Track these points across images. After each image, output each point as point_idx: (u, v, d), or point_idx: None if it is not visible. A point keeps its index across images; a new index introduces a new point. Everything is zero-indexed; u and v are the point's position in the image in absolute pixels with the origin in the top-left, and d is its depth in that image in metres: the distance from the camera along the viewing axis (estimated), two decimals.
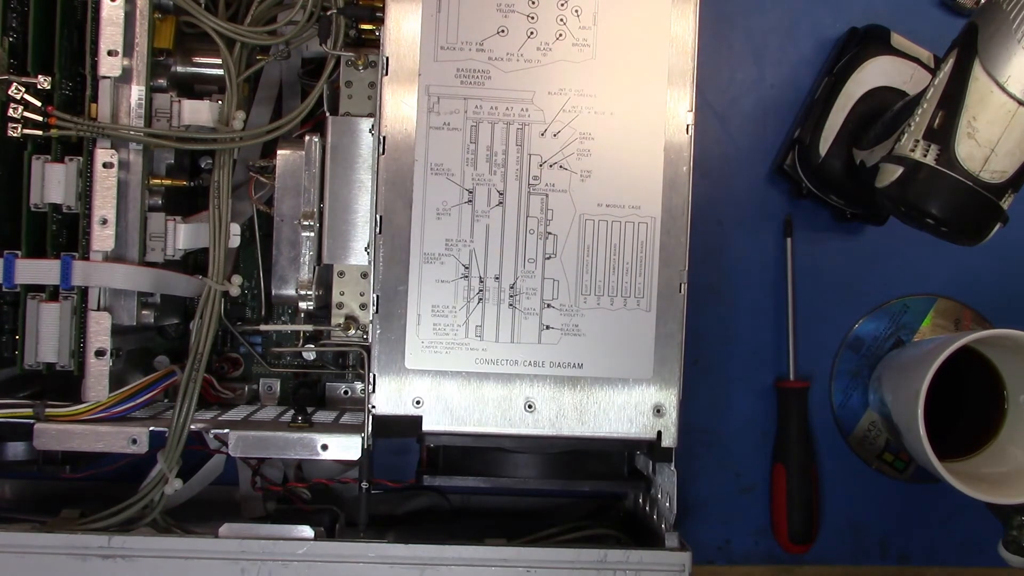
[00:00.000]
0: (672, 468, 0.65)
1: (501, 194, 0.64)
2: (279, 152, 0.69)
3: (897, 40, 0.81)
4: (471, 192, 0.64)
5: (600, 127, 0.64)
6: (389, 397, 0.64)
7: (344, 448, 0.65)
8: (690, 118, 0.64)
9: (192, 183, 0.73)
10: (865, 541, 0.86)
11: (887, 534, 0.86)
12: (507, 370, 0.64)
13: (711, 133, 0.85)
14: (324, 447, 0.65)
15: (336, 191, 0.68)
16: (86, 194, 0.65)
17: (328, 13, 0.66)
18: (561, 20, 0.64)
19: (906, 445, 0.78)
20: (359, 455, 0.64)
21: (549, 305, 0.64)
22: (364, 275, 0.68)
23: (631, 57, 0.64)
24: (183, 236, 0.69)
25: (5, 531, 0.62)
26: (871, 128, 0.75)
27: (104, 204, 0.65)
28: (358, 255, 0.68)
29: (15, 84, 0.64)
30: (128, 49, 0.65)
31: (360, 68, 0.68)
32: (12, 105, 0.64)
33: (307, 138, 0.68)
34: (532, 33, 0.64)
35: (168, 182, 0.70)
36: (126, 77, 0.66)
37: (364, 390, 0.64)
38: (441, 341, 0.64)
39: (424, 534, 0.70)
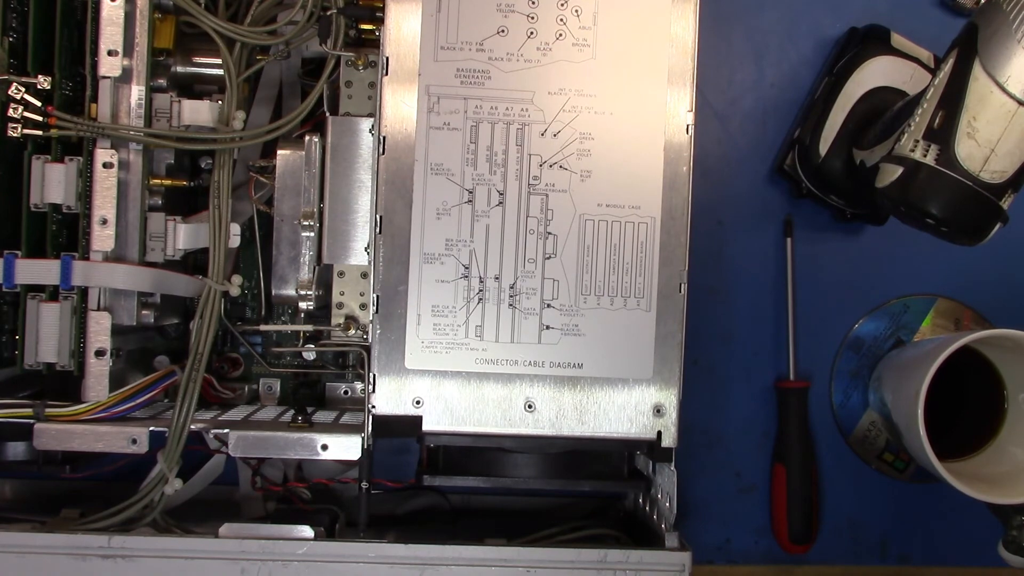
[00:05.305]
0: (672, 468, 0.65)
1: (501, 194, 0.64)
2: (279, 152, 0.69)
3: (897, 40, 0.81)
4: (471, 192, 0.64)
5: (600, 127, 0.64)
6: (389, 397, 0.64)
7: (344, 448, 0.65)
8: (690, 118, 0.64)
9: (192, 183, 0.73)
10: (865, 541, 0.86)
11: (887, 534, 0.86)
12: (507, 370, 0.64)
13: (711, 133, 0.85)
14: (324, 447, 0.65)
15: (336, 191, 0.68)
16: (86, 194, 0.65)
17: (328, 13, 0.66)
18: (561, 20, 0.64)
19: (906, 445, 0.78)
20: (359, 455, 0.64)
21: (549, 305, 0.64)
22: (364, 275, 0.68)
23: (631, 57, 0.64)
24: (183, 236, 0.68)
25: (5, 531, 0.62)
26: (871, 128, 0.75)
27: (104, 204, 0.65)
28: (358, 255, 0.68)
29: (15, 84, 0.64)
30: (128, 49, 0.65)
31: (360, 68, 0.68)
32: (12, 105, 0.64)
33: (307, 138, 0.68)
34: (532, 33, 0.64)
35: (168, 182, 0.70)
36: (126, 77, 0.66)
37: (364, 390, 0.64)
38: (441, 341, 0.64)
39: (424, 534, 0.70)
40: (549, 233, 0.64)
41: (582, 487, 0.70)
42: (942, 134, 0.61)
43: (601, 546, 0.62)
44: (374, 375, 0.64)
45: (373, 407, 0.64)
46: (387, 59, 0.64)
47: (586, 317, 0.64)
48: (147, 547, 0.61)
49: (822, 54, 0.85)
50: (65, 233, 0.67)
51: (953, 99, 0.60)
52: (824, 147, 0.79)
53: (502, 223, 0.64)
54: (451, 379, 0.64)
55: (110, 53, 0.64)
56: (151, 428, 0.64)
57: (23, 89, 0.64)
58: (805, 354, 0.85)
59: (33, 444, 0.64)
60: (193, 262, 0.74)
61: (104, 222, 0.65)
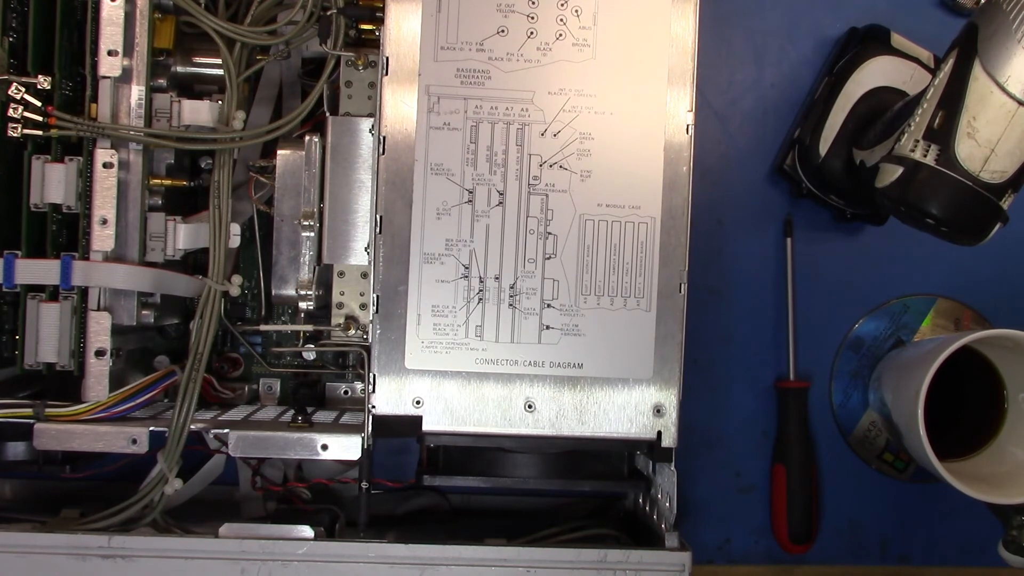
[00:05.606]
0: (672, 468, 0.65)
1: (501, 194, 0.64)
2: (279, 152, 0.69)
3: (897, 40, 0.81)
4: (471, 192, 0.64)
5: (600, 127, 0.64)
6: (389, 397, 0.64)
7: (344, 448, 0.65)
8: (690, 118, 0.64)
9: (192, 183, 0.73)
10: (865, 541, 0.86)
11: (887, 534, 0.86)
12: (507, 370, 0.64)
13: (711, 133, 0.85)
14: (324, 447, 0.65)
15: (336, 191, 0.68)
16: (86, 194, 0.65)
17: (328, 13, 0.66)
18: (561, 20, 0.64)
19: (906, 445, 0.78)
20: (359, 455, 0.64)
21: (549, 305, 0.64)
22: (364, 275, 0.68)
23: (631, 57, 0.64)
24: (183, 236, 0.69)
25: (5, 531, 0.62)
26: (871, 128, 0.75)
27: (104, 204, 0.65)
28: (358, 255, 0.68)
29: (15, 84, 0.64)
30: (128, 49, 0.65)
31: (360, 68, 0.68)
32: (12, 105, 0.64)
33: (307, 138, 0.68)
34: (532, 33, 0.64)
35: (168, 182, 0.70)
36: (126, 77, 0.66)
37: (364, 390, 0.64)
38: (441, 341, 0.64)
39: (424, 534, 0.70)
40: (549, 233, 0.64)
41: (582, 487, 0.70)
42: (942, 134, 0.61)
43: (601, 546, 0.62)
44: (374, 375, 0.64)
45: (373, 407, 0.64)
46: (387, 59, 0.64)
47: (586, 317, 0.64)
48: (147, 547, 0.61)
49: (822, 54, 0.85)
50: (65, 233, 0.67)
51: (953, 99, 0.60)
52: (824, 147, 0.79)
53: (502, 223, 0.64)
54: (451, 379, 0.64)
55: (110, 53, 0.64)
56: (151, 428, 0.64)
57: (23, 89, 0.64)
58: (805, 354, 0.85)
59: (33, 444, 0.64)
60: (193, 262, 0.74)
61: (104, 222, 0.65)
